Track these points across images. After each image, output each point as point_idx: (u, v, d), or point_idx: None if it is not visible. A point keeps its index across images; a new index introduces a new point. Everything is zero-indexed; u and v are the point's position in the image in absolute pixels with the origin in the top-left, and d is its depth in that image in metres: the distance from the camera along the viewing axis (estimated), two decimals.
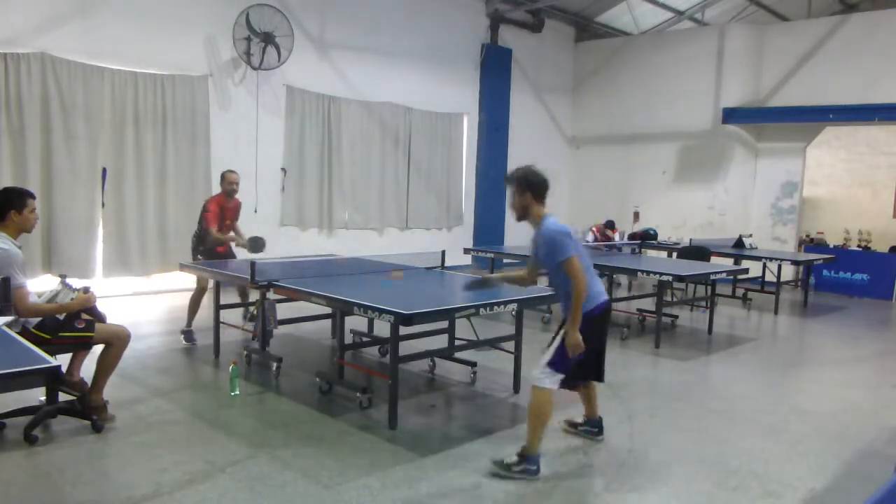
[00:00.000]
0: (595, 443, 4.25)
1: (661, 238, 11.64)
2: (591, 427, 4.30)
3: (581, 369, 3.91)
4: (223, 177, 6.66)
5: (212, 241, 6.48)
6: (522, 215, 3.91)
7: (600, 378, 4.16)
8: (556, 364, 3.75)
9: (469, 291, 4.30)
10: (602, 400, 5.09)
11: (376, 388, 5.04)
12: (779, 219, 12.35)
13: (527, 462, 3.72)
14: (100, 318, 4.36)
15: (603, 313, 3.93)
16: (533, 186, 3.84)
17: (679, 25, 13.89)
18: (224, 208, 6.58)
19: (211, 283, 6.48)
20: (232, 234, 6.69)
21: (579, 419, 4.37)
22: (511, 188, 3.91)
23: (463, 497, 3.49)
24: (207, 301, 6.37)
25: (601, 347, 4.05)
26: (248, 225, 7.49)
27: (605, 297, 3.96)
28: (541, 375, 3.77)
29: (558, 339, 3.80)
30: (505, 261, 10.49)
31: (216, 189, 8.76)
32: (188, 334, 6.42)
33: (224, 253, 6.70)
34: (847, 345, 7.75)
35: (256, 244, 6.48)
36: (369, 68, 10.76)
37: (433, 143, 11.83)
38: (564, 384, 3.86)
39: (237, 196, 6.77)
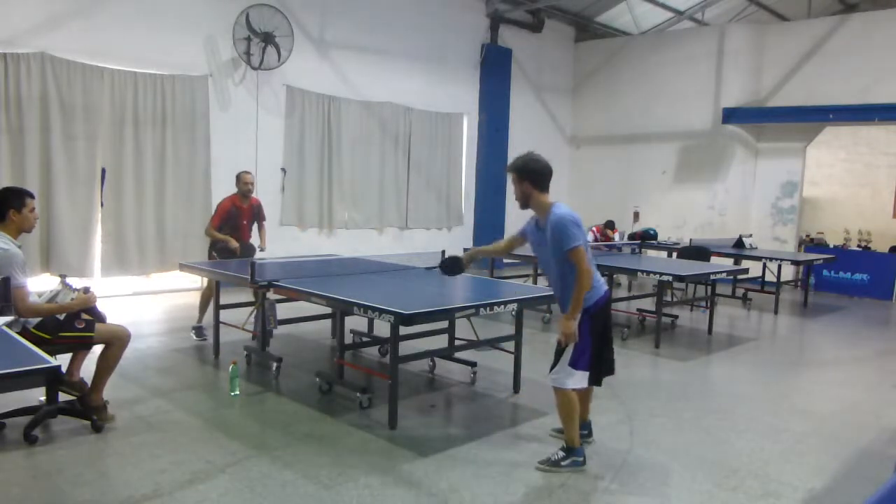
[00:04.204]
0: (585, 443, 4.10)
1: (661, 238, 11.63)
2: (581, 430, 4.13)
3: (601, 361, 3.89)
4: (238, 177, 6.71)
5: (206, 235, 6.66)
6: (524, 204, 3.87)
7: (611, 370, 4.07)
8: (575, 363, 3.77)
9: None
10: (602, 400, 5.11)
11: (376, 388, 5.04)
12: (779, 219, 12.34)
13: (573, 455, 3.83)
14: (100, 318, 4.36)
15: (606, 304, 3.95)
16: (531, 174, 3.77)
17: (679, 25, 13.88)
18: (239, 208, 6.63)
19: (202, 283, 6.47)
20: (242, 239, 6.69)
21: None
22: (511, 177, 3.88)
23: (464, 497, 3.49)
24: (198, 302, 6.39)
25: (608, 337, 4.01)
26: None
27: (607, 287, 3.99)
28: (559, 376, 3.79)
29: None
30: (505, 261, 10.48)
31: (216, 189, 8.85)
32: (199, 330, 6.48)
33: (238, 254, 6.65)
34: (847, 345, 7.75)
35: (245, 250, 6.59)
36: (369, 68, 10.75)
37: (433, 143, 11.83)
38: (592, 380, 3.87)
39: (255, 196, 6.87)
